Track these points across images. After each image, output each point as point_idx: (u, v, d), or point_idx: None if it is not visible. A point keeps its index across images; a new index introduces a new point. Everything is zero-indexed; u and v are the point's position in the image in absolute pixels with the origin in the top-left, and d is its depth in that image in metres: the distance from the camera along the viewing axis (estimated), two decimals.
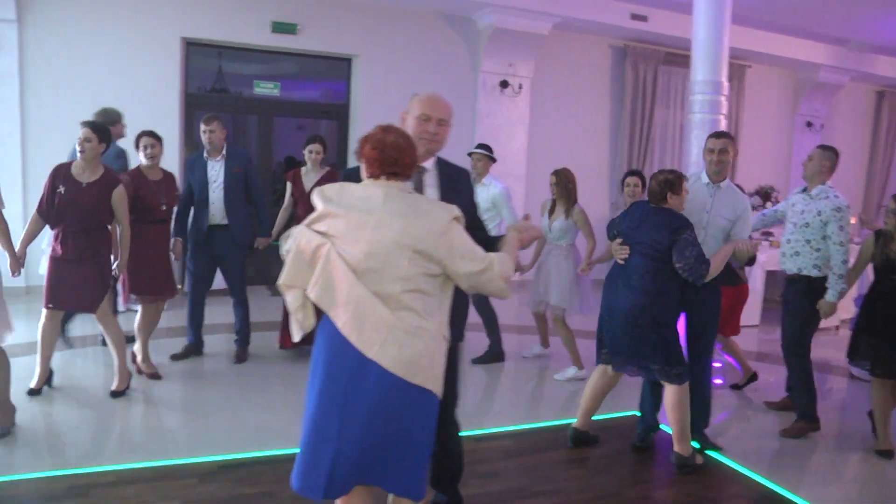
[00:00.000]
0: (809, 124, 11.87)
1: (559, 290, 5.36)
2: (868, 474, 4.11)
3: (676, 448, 3.87)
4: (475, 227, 2.66)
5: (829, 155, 4.41)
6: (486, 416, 4.62)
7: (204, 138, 5.30)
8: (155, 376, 4.93)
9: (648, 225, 3.76)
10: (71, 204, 4.26)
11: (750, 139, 11.41)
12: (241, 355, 5.50)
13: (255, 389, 4.93)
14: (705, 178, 4.06)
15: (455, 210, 2.33)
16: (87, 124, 4.36)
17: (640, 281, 3.73)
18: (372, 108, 8.56)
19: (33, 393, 4.47)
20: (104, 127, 4.49)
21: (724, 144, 3.99)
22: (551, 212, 5.48)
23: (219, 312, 6.52)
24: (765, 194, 8.71)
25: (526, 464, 3.91)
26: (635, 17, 9.30)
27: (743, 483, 3.83)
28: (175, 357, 5.40)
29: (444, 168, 2.82)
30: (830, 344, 7.24)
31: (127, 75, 7.47)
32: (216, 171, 5.29)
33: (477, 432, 4.18)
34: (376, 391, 2.24)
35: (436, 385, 2.34)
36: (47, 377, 4.60)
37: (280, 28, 8.00)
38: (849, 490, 3.92)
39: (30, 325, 5.20)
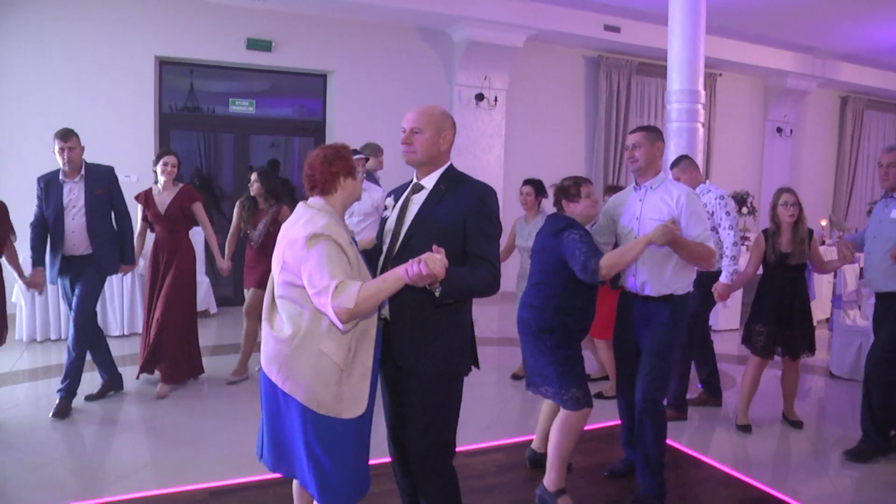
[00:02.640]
0: (779, 130, 12.07)
1: None
2: (851, 471, 4.16)
3: (545, 479, 3.48)
4: (459, 251, 2.50)
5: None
6: (474, 431, 4.59)
7: (61, 157, 4.61)
8: None
9: (539, 233, 3.57)
10: None
11: (722, 146, 11.58)
12: (63, 410, 4.58)
13: (243, 415, 4.86)
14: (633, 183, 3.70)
15: (319, 229, 2.33)
16: None
17: (527, 293, 3.52)
18: (348, 124, 8.55)
19: None
20: None
21: (636, 139, 3.52)
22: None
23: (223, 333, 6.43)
24: (740, 200, 8.82)
25: (520, 478, 3.89)
26: (608, 28, 9.41)
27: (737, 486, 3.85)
28: (90, 397, 4.90)
29: (451, 185, 2.61)
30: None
31: (100, 94, 7.38)
32: (75, 195, 4.68)
33: (467, 447, 4.16)
34: (262, 381, 2.52)
35: (299, 394, 2.38)
36: None
37: (255, 45, 7.96)
38: (832, 486, 3.96)
39: None
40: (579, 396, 3.40)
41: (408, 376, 2.57)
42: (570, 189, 3.48)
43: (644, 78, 10.60)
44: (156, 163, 5.14)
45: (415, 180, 2.69)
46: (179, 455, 4.11)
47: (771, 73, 11.51)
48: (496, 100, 9.35)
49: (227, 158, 8.82)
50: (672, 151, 5.72)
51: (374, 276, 2.52)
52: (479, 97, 9.20)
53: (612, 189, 5.47)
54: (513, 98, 9.58)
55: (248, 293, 5.50)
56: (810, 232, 4.63)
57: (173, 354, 5.12)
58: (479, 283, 2.48)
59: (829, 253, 7.58)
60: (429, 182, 2.65)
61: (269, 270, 5.11)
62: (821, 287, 7.94)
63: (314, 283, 2.30)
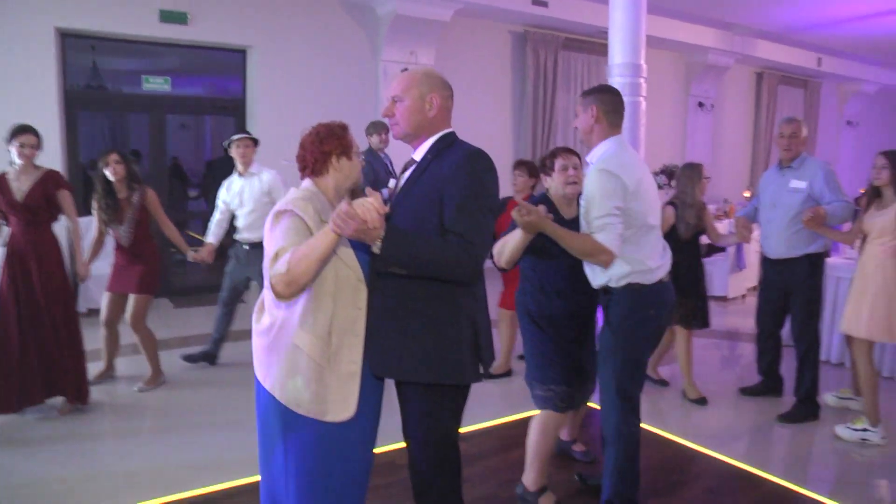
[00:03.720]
0: (701, 104, 12.30)
1: None
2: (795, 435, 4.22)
3: (523, 477, 3.32)
4: (435, 224, 2.17)
5: None
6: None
7: None
8: None
9: None
10: None
11: (649, 121, 11.66)
12: None
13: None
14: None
15: (284, 205, 2.21)
16: None
17: None
18: (270, 103, 8.16)
19: None
20: None
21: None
22: None
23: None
24: (670, 173, 8.93)
25: (490, 466, 3.75)
26: (536, 2, 9.27)
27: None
28: None
29: (440, 153, 2.26)
30: (739, 312, 7.51)
31: None
32: None
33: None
34: (255, 383, 2.37)
35: (277, 391, 2.22)
36: None
37: (169, 17, 7.42)
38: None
39: None
40: (540, 395, 3.17)
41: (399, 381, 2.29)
42: (544, 161, 3.28)
43: (571, 53, 10.54)
44: (8, 141, 4.25)
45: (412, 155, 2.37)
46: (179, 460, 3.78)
47: (693, 50, 11.67)
48: None
49: (143, 140, 8.23)
50: None
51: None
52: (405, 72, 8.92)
53: (523, 164, 5.23)
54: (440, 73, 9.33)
55: (106, 298, 4.87)
56: (703, 205, 4.81)
57: (76, 369, 4.40)
58: (441, 256, 2.08)
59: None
60: (419, 155, 2.31)
61: (143, 273, 4.72)
62: (749, 256, 8.11)
63: (268, 254, 2.15)
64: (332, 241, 2.04)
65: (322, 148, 2.32)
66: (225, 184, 5.33)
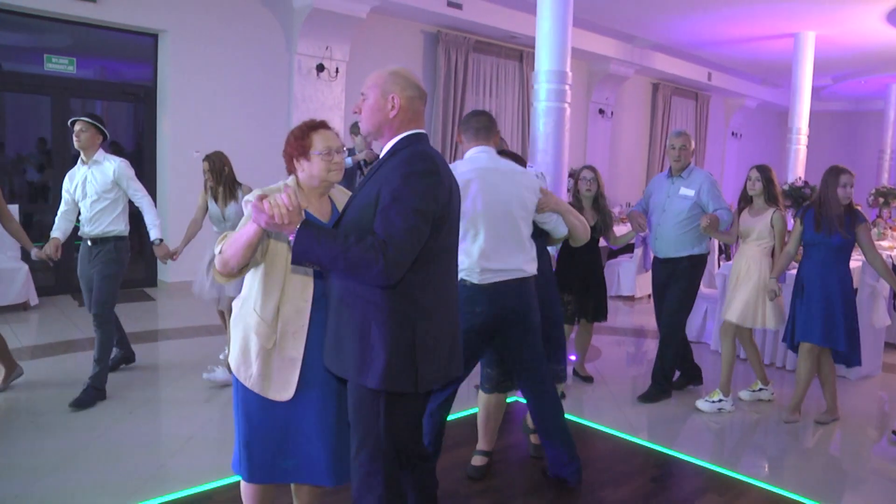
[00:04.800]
0: (601, 111, 12.88)
1: None
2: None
3: None
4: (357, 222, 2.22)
5: None
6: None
7: None
8: None
9: None
10: None
11: None
12: None
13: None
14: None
15: (252, 195, 2.23)
16: None
17: None
18: (181, 90, 7.99)
19: None
20: None
21: None
22: (216, 199, 5.01)
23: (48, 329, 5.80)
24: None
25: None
26: (451, 4, 9.47)
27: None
28: None
29: (390, 156, 2.28)
30: (646, 311, 7.98)
31: None
32: None
33: None
34: None
35: (232, 363, 2.49)
36: None
37: None
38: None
39: None
40: (482, 378, 3.72)
41: None
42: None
43: (480, 56, 10.82)
44: None
45: None
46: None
47: (596, 59, 12.20)
48: (337, 71, 9.14)
49: (45, 127, 7.82)
50: (541, 131, 5.90)
51: None
52: (320, 68, 8.95)
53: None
54: (353, 70, 9.38)
55: None
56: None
57: None
58: (349, 256, 2.05)
59: None
60: (382, 154, 2.32)
61: None
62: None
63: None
64: (255, 231, 2.22)
65: (286, 149, 2.50)
66: (69, 174, 4.74)
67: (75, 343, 5.72)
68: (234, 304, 2.54)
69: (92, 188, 4.59)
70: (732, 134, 17.12)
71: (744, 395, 5.15)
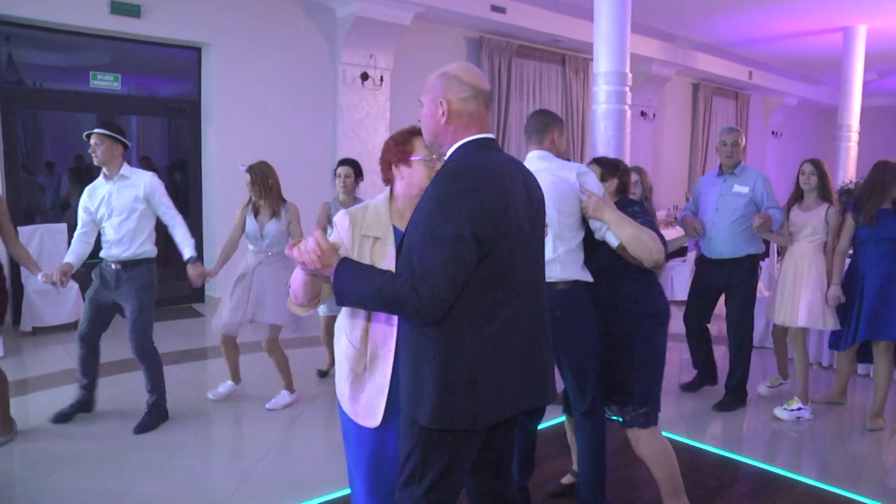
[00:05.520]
0: (643, 114, 12.59)
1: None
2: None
3: None
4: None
5: None
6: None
7: None
8: None
9: None
10: None
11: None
12: None
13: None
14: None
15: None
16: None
17: None
18: (226, 104, 7.84)
19: None
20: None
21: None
22: (256, 213, 4.71)
23: None
24: None
25: None
26: (495, 8, 9.28)
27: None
28: None
29: (443, 166, 2.11)
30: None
31: None
32: None
33: None
34: None
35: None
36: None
37: (120, 9, 7.00)
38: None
39: None
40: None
41: None
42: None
43: (523, 60, 10.62)
44: None
45: None
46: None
47: (638, 60, 11.90)
48: (381, 79, 8.97)
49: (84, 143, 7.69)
50: (601, 134, 5.69)
51: None
52: (364, 76, 8.77)
53: None
54: (397, 78, 9.22)
55: None
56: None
57: None
58: (384, 292, 1.89)
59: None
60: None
61: None
62: None
63: None
64: (305, 272, 2.13)
65: (383, 155, 2.37)
66: (88, 190, 4.37)
67: (131, 362, 5.54)
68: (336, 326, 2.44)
69: (120, 205, 4.22)
70: (772, 133, 16.76)
71: (762, 390, 5.16)
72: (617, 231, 2.97)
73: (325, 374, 5.42)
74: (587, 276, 3.08)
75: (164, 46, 7.66)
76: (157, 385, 4.38)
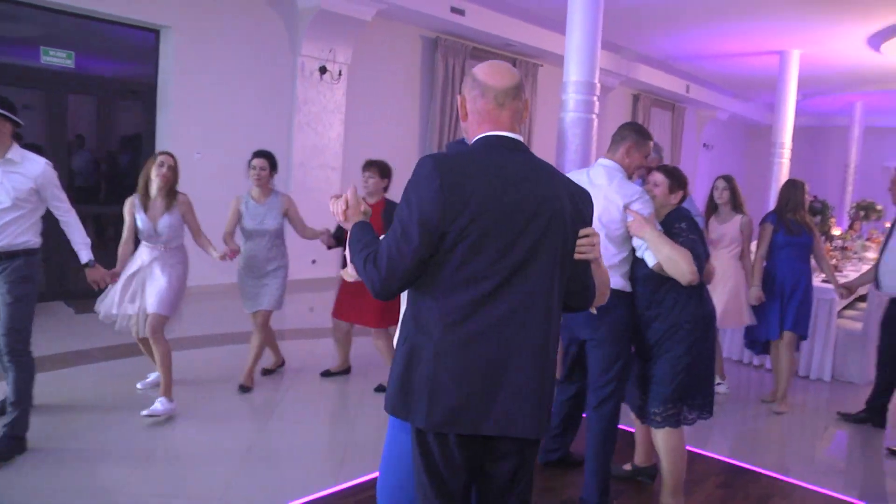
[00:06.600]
0: None
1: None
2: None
3: None
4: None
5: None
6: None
7: None
8: None
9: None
10: None
11: (542, 135, 12.14)
12: None
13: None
14: None
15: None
16: None
17: None
18: (183, 88, 7.69)
19: None
20: None
21: None
22: (145, 209, 4.44)
23: None
24: None
25: None
26: (455, 10, 9.38)
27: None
28: None
29: None
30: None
31: None
32: None
33: None
34: None
35: None
36: None
37: None
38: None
39: None
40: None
41: None
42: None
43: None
44: None
45: None
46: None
47: None
48: (340, 74, 8.95)
49: (41, 122, 7.34)
50: (570, 141, 5.87)
51: None
52: (323, 70, 8.74)
53: (373, 164, 4.92)
54: (354, 74, 9.22)
55: None
56: None
57: None
58: (356, 263, 2.02)
59: None
60: None
61: None
62: None
63: None
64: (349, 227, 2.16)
65: None
66: None
67: (91, 352, 5.42)
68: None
69: (4, 193, 3.59)
70: (704, 145, 17.47)
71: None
72: (654, 250, 3.09)
73: (271, 372, 5.33)
74: (626, 287, 3.30)
75: (122, 26, 7.43)
76: (22, 398, 3.70)
